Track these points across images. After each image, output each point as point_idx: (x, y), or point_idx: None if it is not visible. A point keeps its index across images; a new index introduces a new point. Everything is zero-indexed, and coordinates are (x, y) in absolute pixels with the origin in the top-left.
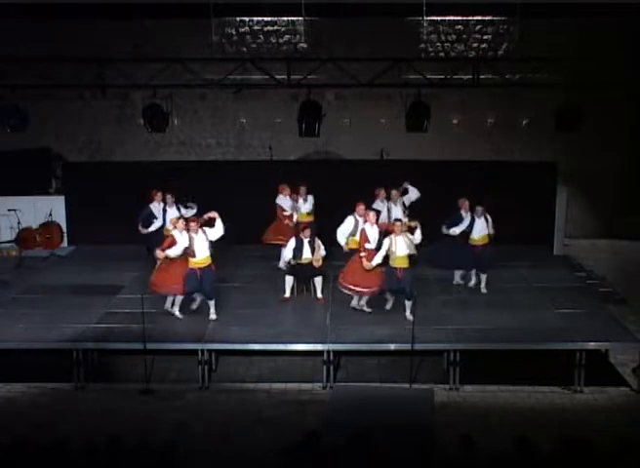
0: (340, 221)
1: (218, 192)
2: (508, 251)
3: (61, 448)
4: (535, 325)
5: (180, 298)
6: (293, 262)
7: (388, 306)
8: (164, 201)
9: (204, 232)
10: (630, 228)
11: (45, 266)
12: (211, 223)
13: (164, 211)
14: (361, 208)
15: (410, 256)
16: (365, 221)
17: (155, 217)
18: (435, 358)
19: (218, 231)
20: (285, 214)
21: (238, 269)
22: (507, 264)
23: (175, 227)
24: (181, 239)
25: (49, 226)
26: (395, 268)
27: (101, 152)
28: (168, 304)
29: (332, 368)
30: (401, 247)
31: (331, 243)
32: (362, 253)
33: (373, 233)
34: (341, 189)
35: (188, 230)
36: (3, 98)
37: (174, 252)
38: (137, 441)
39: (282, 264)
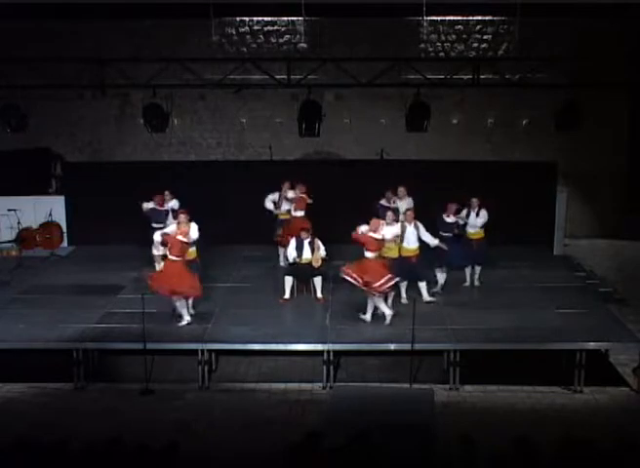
0: (340, 221)
1: (218, 192)
2: (508, 251)
3: (61, 448)
4: (535, 325)
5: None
6: (297, 260)
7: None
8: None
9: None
10: (630, 228)
11: (45, 266)
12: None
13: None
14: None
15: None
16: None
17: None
18: (435, 358)
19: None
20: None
21: (238, 269)
22: (507, 264)
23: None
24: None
25: (49, 226)
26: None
27: (101, 152)
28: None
29: (332, 368)
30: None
31: (331, 242)
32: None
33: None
34: (341, 189)
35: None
36: (3, 98)
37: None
38: (136, 441)
39: (283, 263)
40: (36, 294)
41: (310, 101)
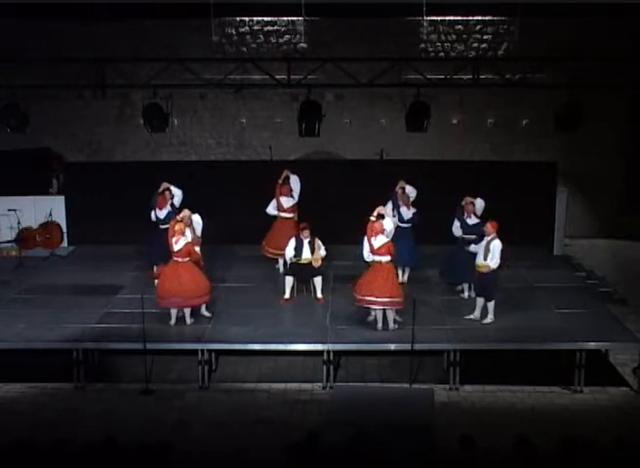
0: (340, 222)
1: (218, 192)
2: (508, 251)
3: (61, 448)
4: (535, 325)
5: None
6: (293, 260)
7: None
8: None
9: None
10: (630, 228)
11: (45, 266)
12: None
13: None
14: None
15: None
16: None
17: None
18: (435, 358)
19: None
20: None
21: (237, 269)
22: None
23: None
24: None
25: (49, 226)
26: None
27: (101, 152)
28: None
29: (332, 368)
30: None
31: (331, 242)
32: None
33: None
34: (341, 189)
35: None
36: (3, 98)
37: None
38: (136, 441)
39: (282, 269)
40: (36, 294)
41: (310, 101)
